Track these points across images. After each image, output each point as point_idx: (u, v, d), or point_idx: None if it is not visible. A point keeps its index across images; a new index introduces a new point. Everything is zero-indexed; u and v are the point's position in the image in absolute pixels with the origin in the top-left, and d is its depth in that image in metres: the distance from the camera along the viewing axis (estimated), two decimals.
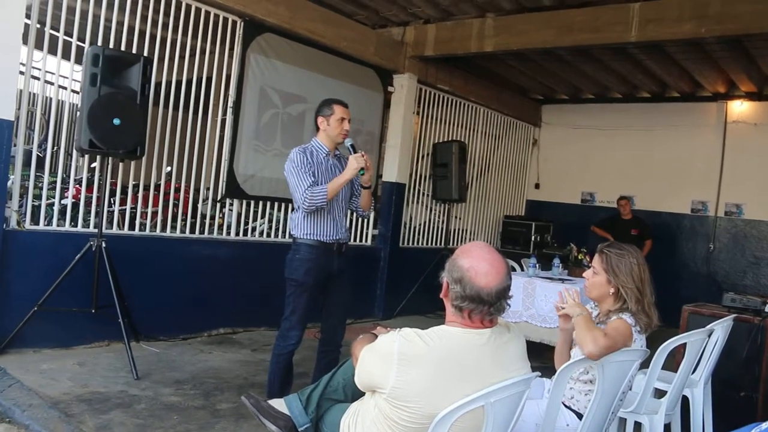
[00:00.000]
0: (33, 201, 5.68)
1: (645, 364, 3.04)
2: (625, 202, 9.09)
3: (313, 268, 3.96)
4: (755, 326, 4.15)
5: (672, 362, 3.56)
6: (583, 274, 3.15)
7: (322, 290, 4.09)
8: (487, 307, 2.14)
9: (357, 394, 2.57)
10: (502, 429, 2.16)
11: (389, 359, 2.09)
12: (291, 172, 3.93)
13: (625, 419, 3.41)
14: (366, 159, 3.94)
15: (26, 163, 5.62)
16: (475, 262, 2.17)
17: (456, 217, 9.40)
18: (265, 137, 6.68)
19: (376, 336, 2.41)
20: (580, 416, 2.80)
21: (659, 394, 3.61)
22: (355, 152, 3.96)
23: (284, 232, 6.99)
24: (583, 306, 2.89)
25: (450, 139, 8.96)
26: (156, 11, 5.67)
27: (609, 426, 2.84)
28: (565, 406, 2.87)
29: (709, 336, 3.60)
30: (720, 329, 3.72)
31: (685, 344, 3.40)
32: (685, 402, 3.79)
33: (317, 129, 4.10)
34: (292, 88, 6.89)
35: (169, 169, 6.05)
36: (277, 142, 6.75)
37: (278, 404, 2.88)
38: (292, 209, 4.11)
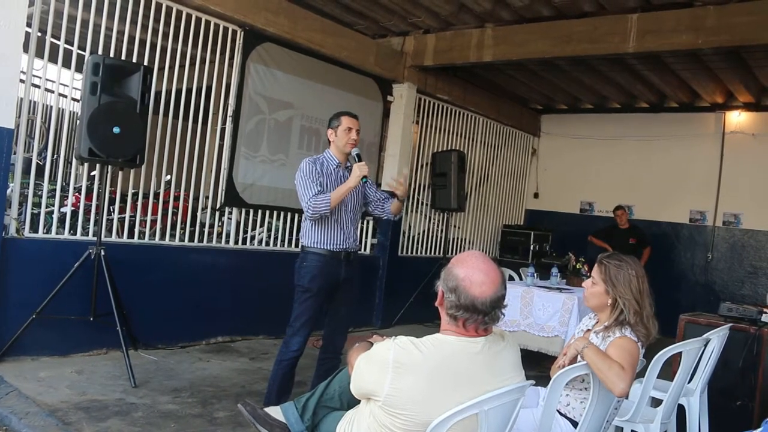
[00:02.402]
0: (32, 209, 5.70)
1: (641, 373, 3.05)
2: (621, 212, 9.10)
3: (319, 275, 4.03)
4: (751, 335, 4.16)
5: (668, 371, 3.58)
6: (582, 284, 3.16)
7: (329, 298, 4.14)
8: (482, 316, 2.15)
9: (353, 402, 2.58)
10: None
11: (384, 367, 2.11)
12: (299, 182, 4.03)
13: (622, 428, 3.41)
14: (400, 183, 4.20)
15: (26, 171, 5.65)
16: (470, 271, 2.18)
17: (455, 227, 9.40)
18: (265, 146, 6.69)
19: (372, 344, 2.43)
20: (575, 424, 2.81)
21: (655, 402, 3.62)
22: (359, 161, 4.05)
23: (283, 241, 7.01)
24: (580, 338, 2.88)
25: (449, 148, 8.97)
26: (156, 21, 5.70)
27: None
28: (561, 413, 2.87)
29: (706, 345, 3.61)
30: (716, 338, 3.73)
31: (681, 353, 3.42)
32: (681, 411, 3.80)
33: (329, 142, 4.22)
34: (290, 98, 6.91)
35: (168, 177, 6.07)
36: (263, 150, 6.74)
37: (274, 412, 2.89)
38: (303, 218, 4.18)
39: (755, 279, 9.04)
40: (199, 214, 6.53)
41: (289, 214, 7.04)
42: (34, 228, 5.38)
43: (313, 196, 3.93)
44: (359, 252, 4.45)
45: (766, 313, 4.30)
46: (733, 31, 5.88)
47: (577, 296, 5.86)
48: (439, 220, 9.17)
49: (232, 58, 6.35)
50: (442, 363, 2.12)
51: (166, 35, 5.80)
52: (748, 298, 8.63)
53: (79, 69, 5.40)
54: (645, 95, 9.48)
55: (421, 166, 8.88)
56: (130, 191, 5.94)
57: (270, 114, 6.72)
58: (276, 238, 7.00)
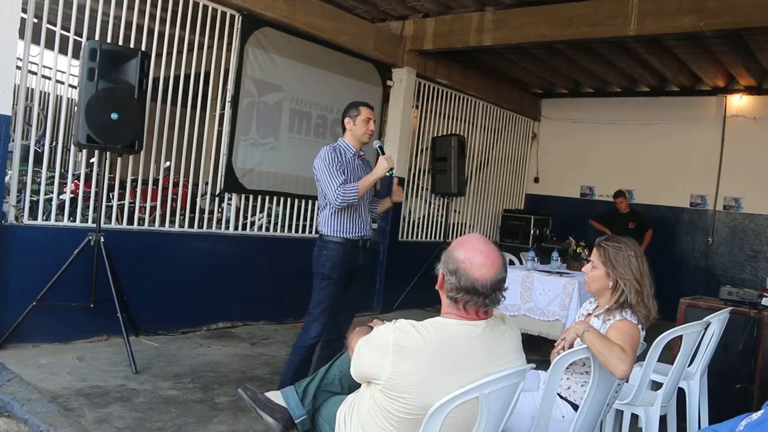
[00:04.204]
0: (31, 196, 5.68)
1: (641, 357, 3.05)
2: (621, 199, 9.10)
3: (340, 263, 4.11)
4: (751, 319, 4.15)
5: (669, 355, 3.57)
6: (583, 269, 3.15)
7: (346, 284, 4.21)
8: (482, 298, 2.15)
9: (353, 386, 2.58)
10: (497, 420, 2.17)
11: (385, 350, 2.10)
12: (323, 170, 4.05)
13: (622, 411, 3.42)
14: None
15: (24, 159, 5.62)
16: (471, 253, 2.17)
17: (455, 211, 9.39)
18: (263, 131, 6.66)
19: (372, 328, 2.42)
20: (576, 407, 2.81)
21: (655, 386, 3.63)
22: (383, 153, 4.15)
23: (283, 226, 7.00)
24: (581, 322, 2.87)
25: (449, 132, 8.93)
26: (153, 5, 5.66)
27: (605, 417, 2.85)
28: (561, 397, 2.87)
29: (706, 328, 3.61)
30: (716, 322, 3.73)
31: (681, 337, 3.41)
32: (681, 394, 3.81)
33: (344, 130, 4.26)
34: (283, 81, 6.83)
35: (167, 163, 6.05)
36: (252, 133, 6.66)
37: (275, 396, 2.89)
38: (321, 207, 4.24)
39: (755, 263, 9.04)
40: (198, 200, 6.51)
41: (288, 200, 7.02)
42: (33, 215, 5.37)
43: (341, 185, 3.98)
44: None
45: (766, 296, 4.29)
46: (735, 14, 5.83)
47: (577, 280, 5.86)
48: (439, 205, 9.16)
49: (230, 43, 6.31)
50: (443, 346, 2.11)
51: (163, 20, 5.78)
52: (749, 281, 8.65)
53: (76, 55, 5.37)
54: (646, 79, 9.44)
55: (421, 151, 8.86)
56: (130, 177, 5.92)
57: (259, 97, 6.66)
58: (276, 224, 6.98)
